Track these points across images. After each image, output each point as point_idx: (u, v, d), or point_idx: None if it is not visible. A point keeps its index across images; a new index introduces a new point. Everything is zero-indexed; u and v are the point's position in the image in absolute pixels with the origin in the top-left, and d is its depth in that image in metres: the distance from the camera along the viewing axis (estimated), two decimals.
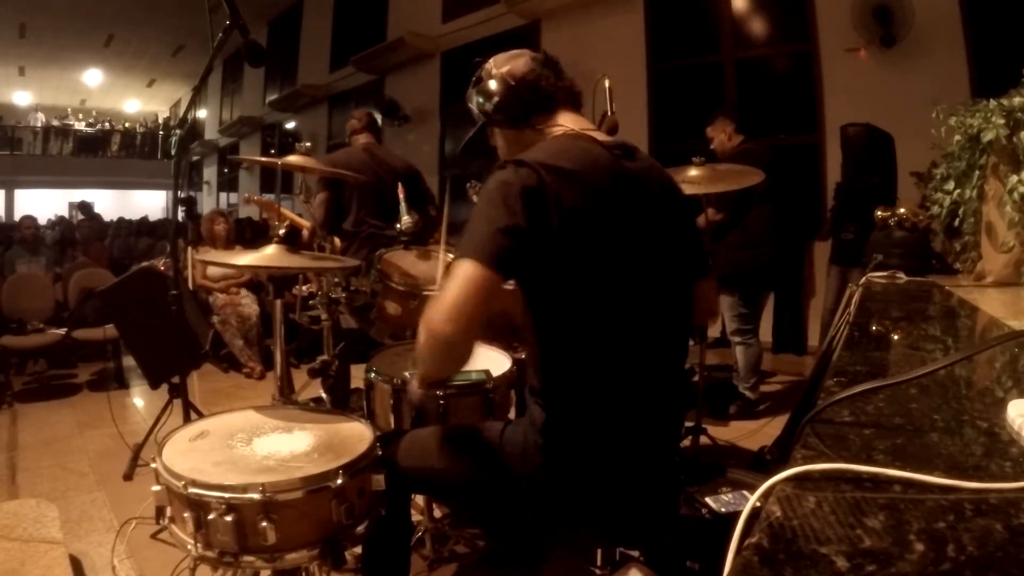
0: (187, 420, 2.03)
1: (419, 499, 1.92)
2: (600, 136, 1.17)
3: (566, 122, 1.21)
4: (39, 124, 16.81)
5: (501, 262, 0.97)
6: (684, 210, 1.27)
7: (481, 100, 1.23)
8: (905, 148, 3.36)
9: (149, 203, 18.40)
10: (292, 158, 2.15)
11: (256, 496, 1.07)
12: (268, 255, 1.59)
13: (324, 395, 2.07)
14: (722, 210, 2.99)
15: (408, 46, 7.76)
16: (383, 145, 3.24)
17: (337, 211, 2.90)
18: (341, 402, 2.22)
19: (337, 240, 2.41)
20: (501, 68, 1.23)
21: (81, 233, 6.52)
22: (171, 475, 1.12)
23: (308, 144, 3.59)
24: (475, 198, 1.90)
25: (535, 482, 1.13)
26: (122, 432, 2.85)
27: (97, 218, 5.79)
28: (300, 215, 2.93)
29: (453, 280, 0.97)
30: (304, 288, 2.02)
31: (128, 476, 2.55)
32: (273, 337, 1.86)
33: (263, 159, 2.22)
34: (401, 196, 2.25)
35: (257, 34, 6.79)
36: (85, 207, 8.14)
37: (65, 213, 16.13)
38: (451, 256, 2.25)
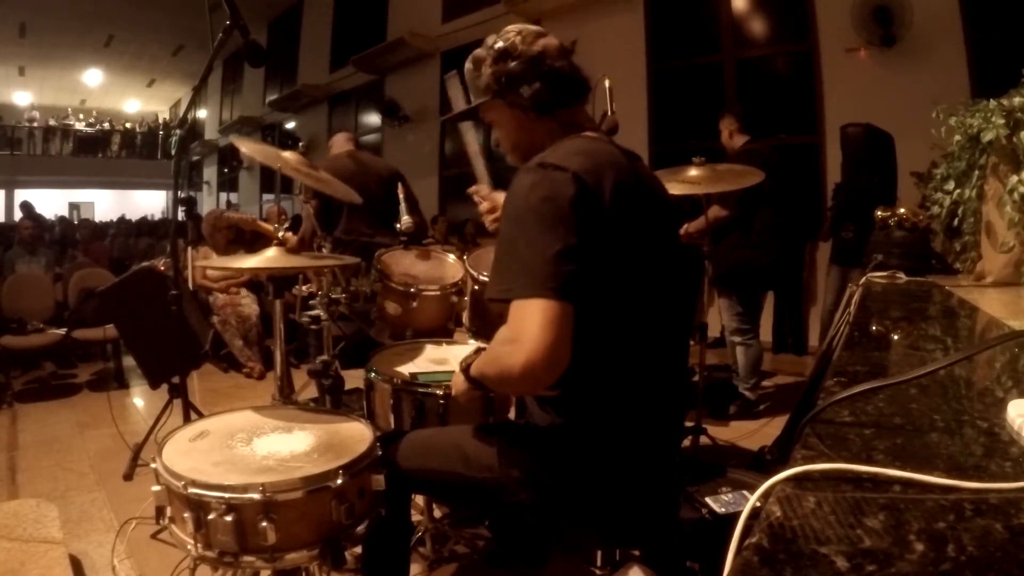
0: (187, 420, 2.02)
1: (419, 499, 1.92)
2: (614, 141, 1.16)
3: (583, 121, 1.17)
4: (35, 123, 16.79)
5: (569, 291, 0.92)
6: (676, 217, 1.27)
7: (507, 80, 1.11)
8: (905, 148, 3.36)
9: (149, 203, 18.41)
10: (287, 154, 2.14)
11: (256, 496, 1.07)
12: (268, 256, 1.60)
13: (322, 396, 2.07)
14: (727, 207, 2.99)
15: (408, 46, 7.77)
16: (365, 151, 3.26)
17: (327, 218, 2.91)
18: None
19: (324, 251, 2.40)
20: (532, 45, 1.11)
21: (82, 234, 6.49)
22: (171, 475, 1.12)
23: (303, 144, 3.62)
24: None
25: (535, 483, 1.13)
26: (122, 432, 2.85)
27: (39, 218, 5.55)
28: (298, 215, 2.94)
29: (530, 322, 0.91)
30: (304, 288, 2.02)
31: (128, 476, 2.55)
32: (273, 337, 1.86)
33: (260, 148, 2.20)
34: (401, 196, 2.26)
35: (257, 34, 6.79)
36: (27, 207, 7.96)
37: (65, 213, 16.15)
38: (451, 257, 2.26)
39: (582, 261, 0.95)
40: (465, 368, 1.13)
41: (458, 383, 1.15)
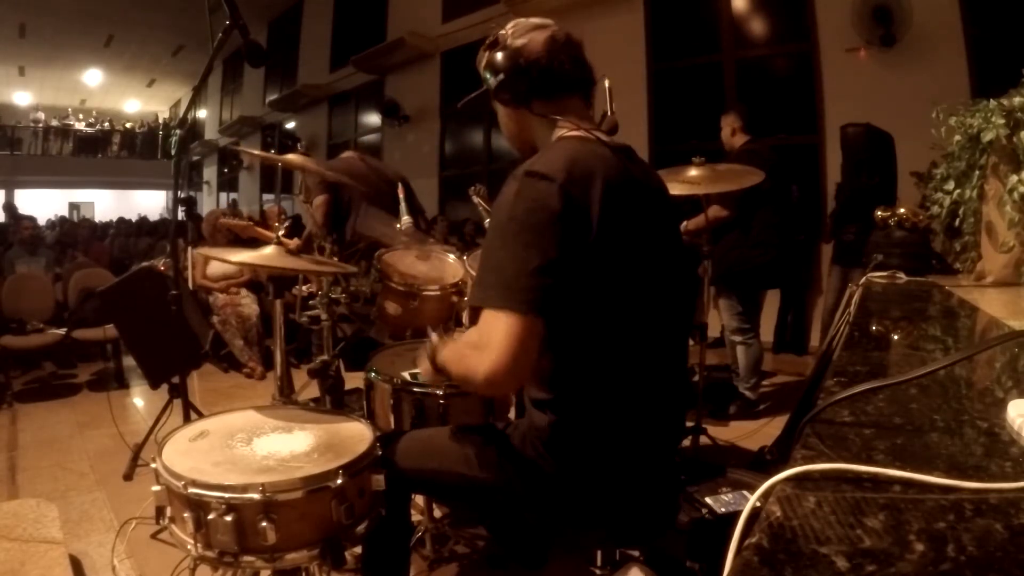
0: (187, 420, 2.03)
1: (419, 499, 1.92)
2: (603, 136, 1.15)
3: (569, 114, 1.17)
4: (40, 124, 16.80)
5: (540, 306, 0.94)
6: (675, 212, 1.26)
7: (488, 71, 1.17)
8: (905, 148, 3.36)
9: (149, 203, 18.41)
10: (291, 156, 2.15)
11: (256, 496, 1.07)
12: (268, 255, 1.60)
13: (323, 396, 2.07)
14: (727, 207, 2.99)
15: (408, 46, 7.77)
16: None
17: (336, 215, 2.93)
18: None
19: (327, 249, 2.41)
20: (517, 40, 1.16)
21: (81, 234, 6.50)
22: (171, 475, 1.12)
23: (304, 143, 3.66)
24: (476, 199, 1.91)
25: (535, 482, 1.13)
26: (122, 432, 2.85)
27: (31, 218, 5.49)
28: (299, 215, 2.95)
29: (496, 333, 0.94)
30: (304, 288, 2.02)
31: (128, 476, 2.55)
32: (273, 337, 1.86)
33: (262, 153, 2.23)
34: (401, 196, 2.26)
35: (257, 34, 6.80)
36: (10, 208, 7.90)
37: (65, 213, 16.16)
38: (451, 257, 2.26)
39: (563, 274, 0.97)
40: (432, 356, 1.12)
41: (425, 368, 1.15)
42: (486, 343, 0.95)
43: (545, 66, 1.13)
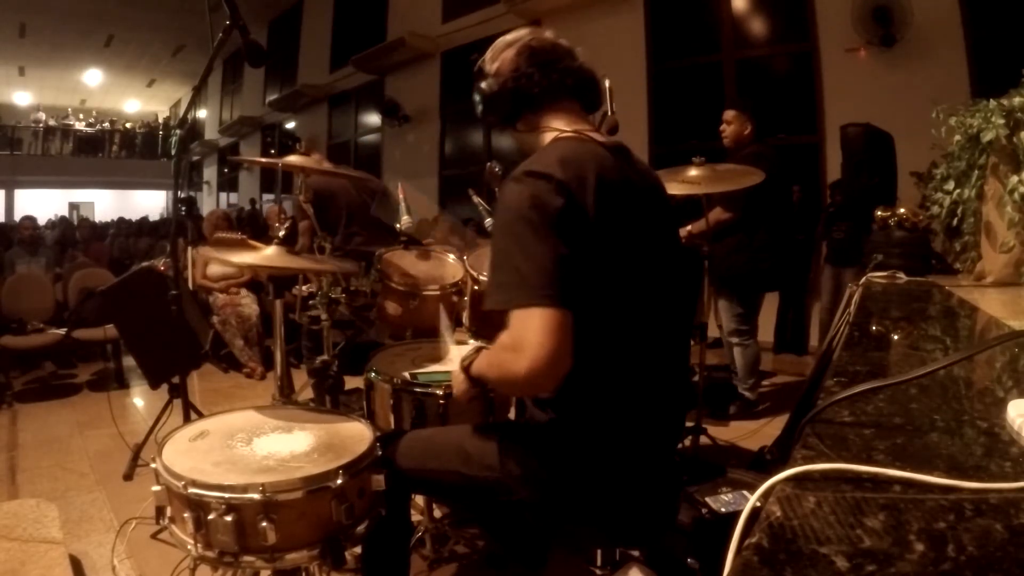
0: (187, 420, 2.02)
1: (419, 499, 1.92)
2: (597, 136, 1.16)
3: (560, 118, 1.17)
4: (40, 124, 16.80)
5: (565, 298, 0.95)
6: (673, 211, 1.26)
7: (475, 99, 1.22)
8: (905, 148, 3.36)
9: (149, 203, 18.41)
10: (292, 158, 2.15)
11: (256, 496, 1.07)
12: (268, 255, 1.60)
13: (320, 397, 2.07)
14: (731, 209, 2.98)
15: (408, 46, 7.77)
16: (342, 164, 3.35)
17: (323, 225, 2.92)
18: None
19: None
20: (491, 65, 1.21)
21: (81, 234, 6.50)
22: (171, 475, 1.12)
23: (304, 143, 3.67)
24: (476, 198, 1.90)
25: (535, 482, 1.13)
26: (122, 432, 2.85)
27: (31, 218, 5.50)
28: (292, 217, 2.97)
29: (531, 330, 0.94)
30: (304, 288, 2.02)
31: (128, 476, 2.55)
32: (273, 337, 1.86)
33: (263, 160, 2.24)
34: (401, 196, 2.26)
35: (257, 34, 6.79)
36: None
37: (65, 213, 16.16)
38: (451, 257, 2.27)
39: (574, 268, 0.98)
40: (466, 367, 1.13)
41: (458, 381, 1.16)
42: (520, 343, 0.95)
43: (513, 87, 1.16)
